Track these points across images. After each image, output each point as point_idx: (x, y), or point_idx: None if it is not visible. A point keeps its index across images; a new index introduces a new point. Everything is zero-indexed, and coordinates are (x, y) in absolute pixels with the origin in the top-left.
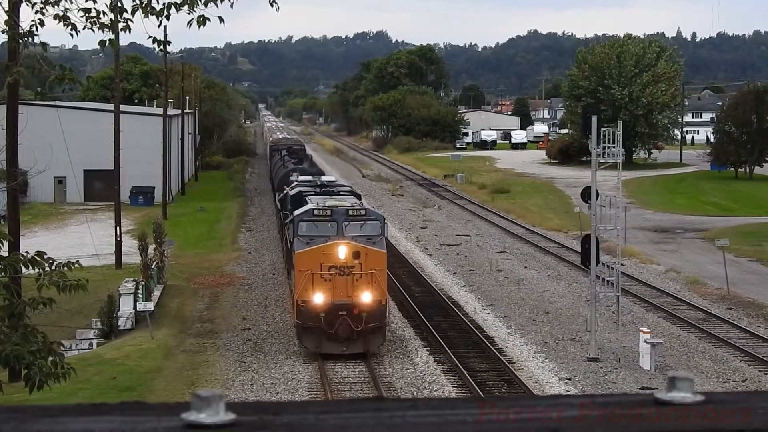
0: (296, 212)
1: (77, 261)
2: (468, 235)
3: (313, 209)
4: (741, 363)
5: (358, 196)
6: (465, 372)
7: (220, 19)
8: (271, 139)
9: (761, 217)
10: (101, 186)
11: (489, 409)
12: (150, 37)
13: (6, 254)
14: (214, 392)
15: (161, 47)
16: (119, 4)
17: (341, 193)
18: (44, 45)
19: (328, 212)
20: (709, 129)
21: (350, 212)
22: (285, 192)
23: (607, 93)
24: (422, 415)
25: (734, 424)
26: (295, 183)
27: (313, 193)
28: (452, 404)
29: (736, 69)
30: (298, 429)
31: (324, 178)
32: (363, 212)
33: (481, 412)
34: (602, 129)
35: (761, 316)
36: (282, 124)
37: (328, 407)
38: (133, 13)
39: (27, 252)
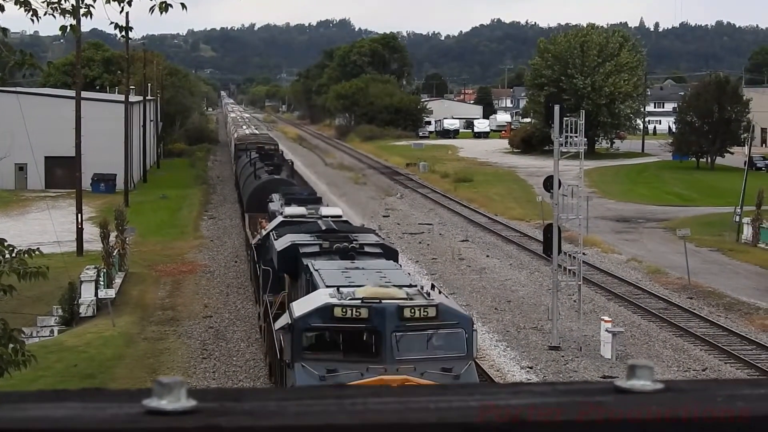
0: (298, 309)
1: (38, 248)
2: (430, 224)
3: (333, 305)
4: (701, 352)
5: (395, 256)
6: None
7: (183, 5)
8: (236, 135)
9: (722, 207)
10: (62, 173)
11: (451, 397)
12: (112, 23)
13: None
14: (175, 379)
15: (123, 33)
16: None
17: (366, 249)
18: (4, 30)
19: (364, 312)
20: (671, 119)
21: (406, 312)
22: (267, 238)
23: (569, 82)
24: (384, 402)
25: (694, 412)
26: (281, 220)
27: (317, 249)
28: (414, 392)
29: (699, 59)
30: (260, 415)
31: (325, 211)
32: (432, 312)
33: (443, 399)
34: (565, 118)
35: (721, 305)
36: (247, 115)
37: (290, 394)
38: None
39: None
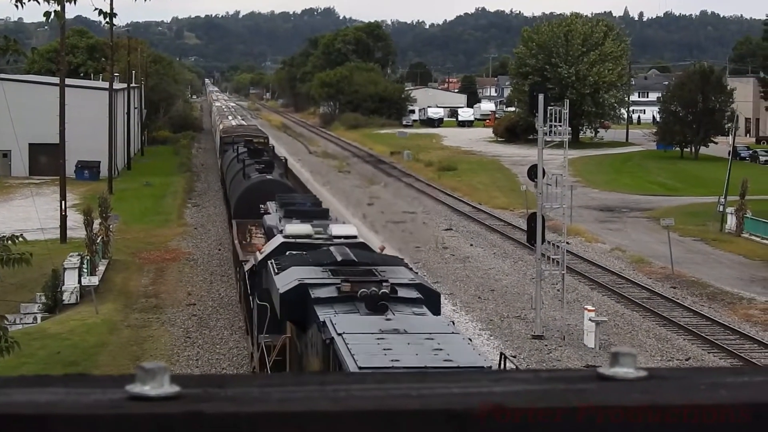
0: None
1: (21, 235)
2: (414, 213)
3: None
4: (684, 341)
5: (436, 302)
6: None
7: None
8: (221, 127)
9: (706, 197)
10: (46, 160)
11: (433, 384)
12: (96, 8)
13: None
14: (158, 365)
15: (107, 19)
16: None
17: (400, 293)
18: None
19: None
20: (656, 108)
21: None
22: (264, 264)
23: (554, 71)
24: (366, 389)
25: (676, 400)
26: (281, 242)
27: (334, 294)
28: (396, 378)
29: (683, 49)
30: (243, 402)
31: (336, 230)
32: None
33: (426, 386)
34: (549, 107)
35: (705, 295)
36: (233, 104)
37: (273, 380)
38: None
39: None
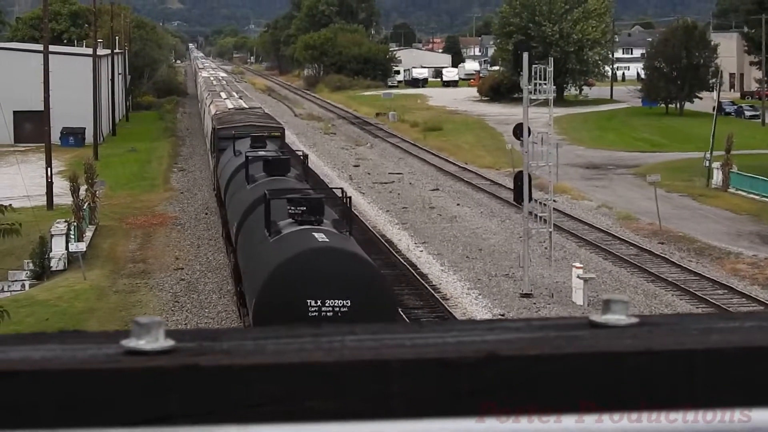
0: None
1: (10, 204)
2: (400, 173)
3: None
4: (673, 297)
5: None
6: (399, 309)
7: None
8: (214, 111)
9: (691, 153)
10: (31, 127)
11: (427, 333)
12: None
13: None
14: (153, 319)
15: None
16: None
17: None
18: None
19: None
20: (640, 65)
21: None
22: None
23: (537, 30)
24: (361, 340)
25: (668, 345)
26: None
27: None
28: (391, 329)
29: (666, 5)
30: (238, 354)
31: None
32: None
33: (419, 336)
34: (533, 66)
35: (692, 250)
36: (224, 74)
37: (267, 333)
38: None
39: None
